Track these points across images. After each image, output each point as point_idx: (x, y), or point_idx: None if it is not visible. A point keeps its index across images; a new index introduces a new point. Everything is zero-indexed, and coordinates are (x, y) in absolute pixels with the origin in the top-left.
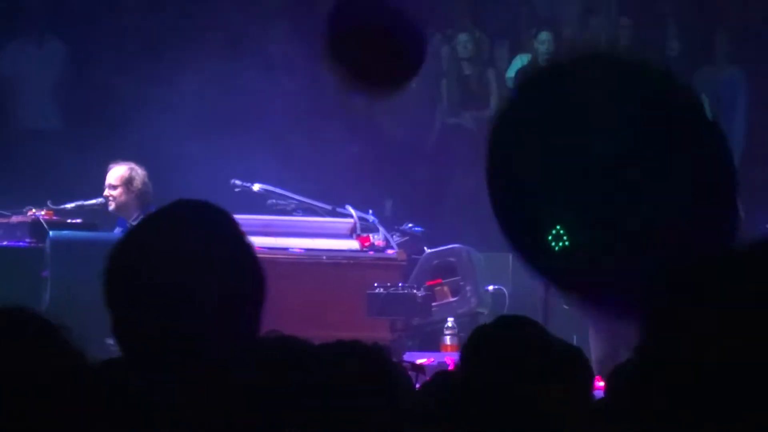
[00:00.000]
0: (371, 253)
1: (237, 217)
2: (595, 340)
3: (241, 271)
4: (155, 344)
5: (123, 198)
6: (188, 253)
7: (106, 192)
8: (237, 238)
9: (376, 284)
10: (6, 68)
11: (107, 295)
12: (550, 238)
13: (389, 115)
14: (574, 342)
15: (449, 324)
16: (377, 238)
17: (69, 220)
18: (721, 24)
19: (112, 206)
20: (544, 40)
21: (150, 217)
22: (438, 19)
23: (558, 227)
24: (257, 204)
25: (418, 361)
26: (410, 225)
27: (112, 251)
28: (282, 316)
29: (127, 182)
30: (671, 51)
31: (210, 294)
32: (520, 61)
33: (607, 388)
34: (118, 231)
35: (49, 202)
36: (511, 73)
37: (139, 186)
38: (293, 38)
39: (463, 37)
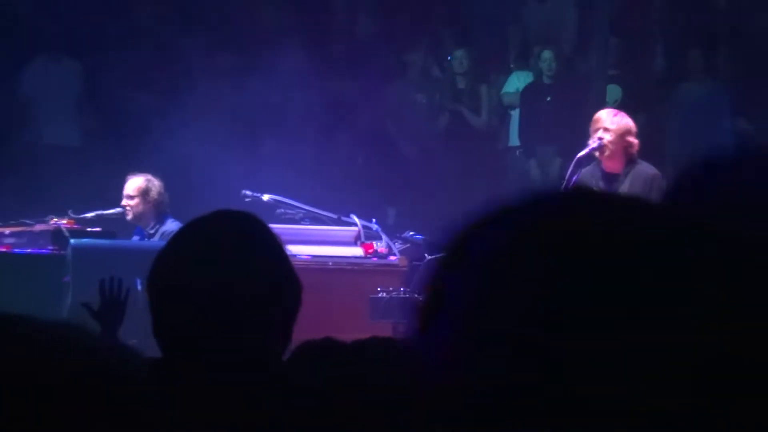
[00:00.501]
0: (374, 259)
1: None
2: None
3: (278, 279)
4: (195, 347)
5: (140, 208)
6: (226, 261)
7: (124, 202)
8: (274, 247)
9: (379, 289)
10: (27, 86)
11: (151, 299)
12: None
13: (392, 127)
14: None
15: None
16: (380, 246)
17: (89, 229)
18: (694, 39)
19: (129, 216)
20: (546, 59)
21: (191, 225)
22: (432, 35)
23: None
24: (267, 213)
25: None
26: (411, 233)
27: (156, 257)
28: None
29: (144, 193)
30: (658, 67)
31: (247, 301)
32: (516, 78)
33: None
34: (135, 239)
35: (70, 212)
36: (509, 88)
37: (155, 196)
38: (303, 52)
39: (459, 52)
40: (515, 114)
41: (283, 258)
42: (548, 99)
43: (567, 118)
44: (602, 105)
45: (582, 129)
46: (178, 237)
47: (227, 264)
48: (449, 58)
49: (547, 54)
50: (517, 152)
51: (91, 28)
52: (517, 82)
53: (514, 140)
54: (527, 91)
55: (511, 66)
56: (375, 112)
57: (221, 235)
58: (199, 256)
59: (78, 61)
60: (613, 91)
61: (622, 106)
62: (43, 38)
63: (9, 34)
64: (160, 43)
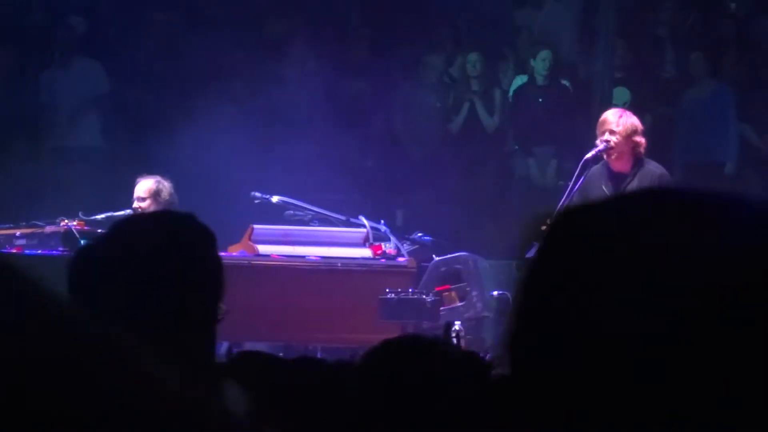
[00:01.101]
0: (383, 260)
1: (257, 227)
2: None
3: (192, 284)
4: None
5: (151, 210)
6: (137, 262)
7: (136, 204)
8: (196, 250)
9: (387, 290)
10: (44, 88)
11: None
12: None
13: (401, 129)
14: None
15: (456, 327)
16: (389, 247)
17: (99, 230)
18: (701, 42)
19: None
20: (544, 58)
21: (116, 224)
22: (445, 38)
23: None
24: (276, 215)
25: None
26: (420, 234)
27: (72, 259)
28: (299, 318)
29: (155, 194)
30: (667, 74)
31: (155, 299)
32: (520, 81)
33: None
34: None
35: (80, 214)
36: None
37: (167, 197)
38: (311, 56)
39: (473, 56)
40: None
41: (203, 261)
42: (540, 100)
43: (560, 120)
44: (608, 107)
45: (581, 130)
46: (103, 236)
47: (141, 263)
48: (465, 61)
49: (544, 53)
50: (518, 155)
51: (111, 29)
52: (519, 83)
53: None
54: (520, 93)
55: (516, 70)
56: (384, 114)
57: (141, 236)
58: (114, 255)
59: (97, 62)
60: (622, 93)
61: (630, 108)
62: (63, 40)
63: (29, 36)
64: (176, 45)
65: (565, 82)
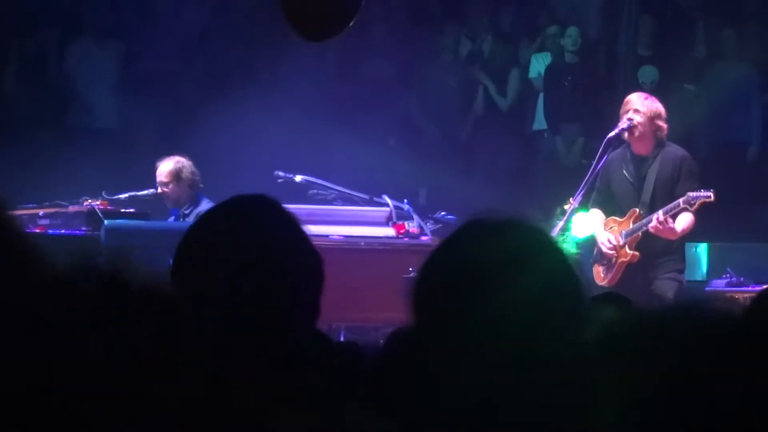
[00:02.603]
0: (406, 239)
1: None
2: None
3: (298, 256)
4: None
5: (176, 192)
6: (248, 241)
7: (159, 189)
8: (291, 226)
9: (411, 269)
10: (67, 69)
11: (174, 282)
12: None
13: (423, 109)
14: None
15: None
16: (412, 226)
17: (122, 210)
18: (729, 20)
19: (168, 202)
20: (571, 35)
21: (213, 209)
22: (461, 17)
23: None
24: (299, 194)
25: None
26: (443, 213)
27: (180, 241)
28: (323, 297)
29: (176, 175)
30: (699, 53)
31: (268, 278)
32: (536, 61)
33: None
34: (171, 220)
35: (104, 193)
36: (532, 74)
37: (189, 176)
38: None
39: (491, 37)
40: (541, 97)
41: (301, 236)
42: (569, 78)
43: (588, 98)
44: (633, 86)
45: (606, 109)
46: (201, 220)
47: (249, 244)
48: (481, 42)
49: (572, 30)
50: (545, 134)
51: (131, 12)
52: (537, 65)
53: (540, 123)
54: (549, 72)
55: (538, 48)
56: (407, 94)
57: (241, 217)
58: (222, 238)
59: (119, 42)
60: (650, 72)
61: (658, 87)
62: (84, 21)
63: (50, 17)
64: (198, 28)
65: (593, 60)
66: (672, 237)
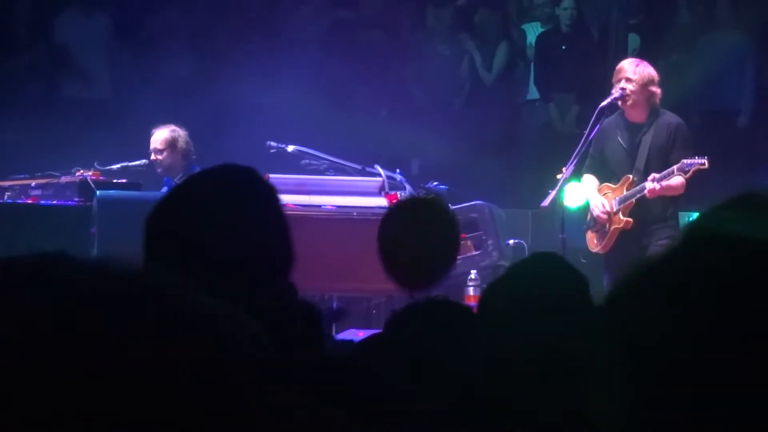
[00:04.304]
0: None
1: (272, 176)
2: None
3: (268, 232)
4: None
5: (170, 159)
6: (217, 213)
7: (153, 156)
8: (266, 199)
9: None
10: (57, 39)
11: (146, 252)
12: None
13: (415, 79)
14: None
15: (472, 276)
16: (404, 196)
17: (115, 180)
18: None
19: (160, 169)
20: (567, 7)
21: (190, 178)
22: None
23: None
24: (292, 164)
25: None
26: (435, 183)
27: (151, 212)
28: (316, 268)
29: (171, 144)
30: (682, 19)
31: (237, 252)
32: (525, 30)
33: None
34: (165, 190)
35: (96, 163)
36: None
37: (183, 145)
38: (329, 7)
39: (483, 9)
40: (533, 67)
41: (274, 209)
42: (563, 48)
43: (582, 67)
44: (623, 55)
45: (599, 78)
46: (177, 188)
47: (217, 216)
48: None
49: (567, 2)
50: (536, 104)
51: None
52: (529, 36)
53: (533, 93)
54: (542, 40)
55: (527, 19)
56: (399, 63)
57: (214, 187)
58: (191, 209)
59: (107, 12)
60: (632, 40)
61: (641, 55)
62: None
63: None
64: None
65: (589, 29)
66: (672, 193)
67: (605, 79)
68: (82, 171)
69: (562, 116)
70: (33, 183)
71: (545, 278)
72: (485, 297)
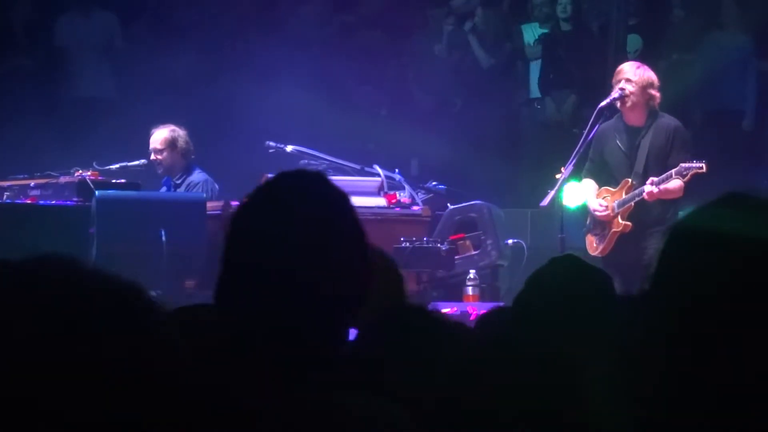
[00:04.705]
0: (398, 209)
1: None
2: None
3: (339, 230)
4: (253, 324)
5: (170, 160)
6: (299, 214)
7: (153, 156)
8: (339, 201)
9: (402, 239)
10: (59, 38)
11: (225, 258)
12: None
13: (414, 79)
14: None
15: (471, 276)
16: (403, 196)
17: (113, 180)
18: None
19: (160, 170)
20: (562, 2)
21: (266, 183)
22: None
23: None
24: (290, 164)
25: (443, 311)
26: (434, 183)
27: (237, 209)
28: None
29: (171, 144)
30: (675, 18)
31: (311, 250)
32: (524, 30)
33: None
34: (164, 190)
35: (94, 164)
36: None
37: (183, 145)
38: (328, 7)
39: (481, 11)
40: (534, 67)
41: (349, 210)
42: (563, 46)
43: (582, 67)
44: (623, 55)
45: (599, 78)
46: (256, 192)
47: (298, 217)
48: (474, 16)
49: (565, 0)
50: (536, 104)
51: None
52: (527, 35)
53: (535, 92)
54: (545, 41)
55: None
56: (398, 64)
57: (292, 191)
58: (274, 211)
59: (110, 12)
60: (634, 40)
61: (643, 55)
62: None
63: None
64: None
65: (587, 28)
66: (671, 197)
67: (605, 78)
68: (80, 171)
69: (558, 108)
70: (32, 183)
71: (575, 280)
72: (518, 309)
